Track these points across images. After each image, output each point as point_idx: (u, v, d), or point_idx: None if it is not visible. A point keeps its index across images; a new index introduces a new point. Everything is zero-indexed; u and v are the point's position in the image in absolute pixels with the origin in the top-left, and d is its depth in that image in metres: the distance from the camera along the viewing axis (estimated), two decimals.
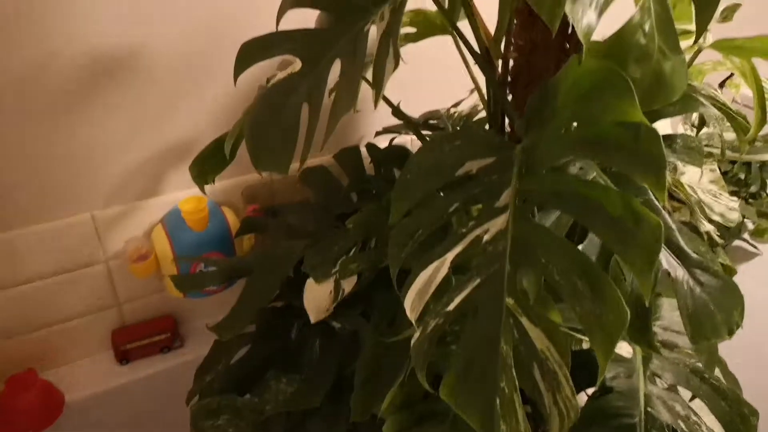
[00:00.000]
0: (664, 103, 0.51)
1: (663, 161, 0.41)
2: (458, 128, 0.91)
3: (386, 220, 0.59)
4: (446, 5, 0.81)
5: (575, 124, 0.47)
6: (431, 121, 1.04)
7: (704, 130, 0.96)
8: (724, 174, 1.27)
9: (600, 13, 0.49)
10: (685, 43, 0.75)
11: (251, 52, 0.64)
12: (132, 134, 0.93)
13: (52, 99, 0.86)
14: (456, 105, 1.07)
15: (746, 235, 1.33)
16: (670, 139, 0.64)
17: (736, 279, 0.67)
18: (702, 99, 0.66)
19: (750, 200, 1.34)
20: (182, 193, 1.01)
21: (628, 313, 0.39)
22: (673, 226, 0.54)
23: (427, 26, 0.80)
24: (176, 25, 0.89)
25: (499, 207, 0.52)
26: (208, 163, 0.78)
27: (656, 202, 0.54)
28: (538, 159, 0.52)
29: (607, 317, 0.40)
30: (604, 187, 0.45)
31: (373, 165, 0.94)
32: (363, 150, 1.00)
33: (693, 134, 0.90)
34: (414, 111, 1.08)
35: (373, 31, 0.58)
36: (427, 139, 0.86)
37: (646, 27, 0.50)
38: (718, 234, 0.90)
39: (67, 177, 0.92)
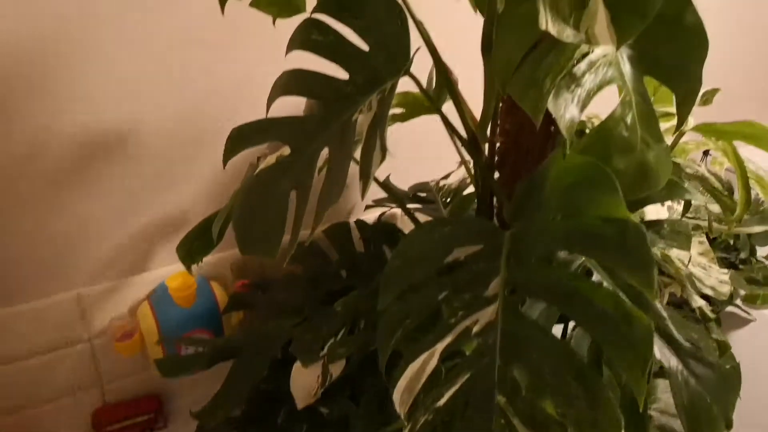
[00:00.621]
0: (649, 192, 0.52)
1: (650, 260, 0.40)
2: (447, 216, 0.91)
3: (375, 302, 0.58)
4: (432, 90, 0.83)
5: (561, 216, 0.47)
6: (420, 194, 1.05)
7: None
8: (712, 240, 1.27)
9: (582, 108, 0.50)
10: (667, 125, 0.77)
11: (241, 138, 0.64)
12: (122, 210, 0.93)
13: (41, 177, 0.85)
14: (445, 177, 1.08)
15: (738, 301, 1.33)
16: (657, 224, 0.64)
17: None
18: (687, 179, 0.67)
19: (740, 266, 1.34)
20: (170, 269, 0.99)
21: (622, 419, 0.38)
22: (665, 314, 0.54)
23: (415, 107, 0.82)
24: (168, 105, 0.90)
25: (488, 297, 0.52)
26: (195, 245, 0.77)
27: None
28: (526, 249, 0.51)
29: (602, 423, 0.39)
30: (594, 284, 0.44)
31: (362, 241, 0.94)
32: (352, 222, 1.00)
33: (680, 208, 0.91)
34: (403, 181, 1.09)
35: (362, 119, 0.59)
36: (415, 215, 0.86)
37: (628, 119, 0.51)
38: (711, 307, 0.89)
39: (55, 255, 0.90)
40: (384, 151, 0.52)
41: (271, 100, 0.67)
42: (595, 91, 0.51)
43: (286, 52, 0.66)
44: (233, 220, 0.61)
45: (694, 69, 0.54)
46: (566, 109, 0.49)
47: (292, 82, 0.65)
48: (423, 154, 1.16)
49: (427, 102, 0.81)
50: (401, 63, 0.59)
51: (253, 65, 0.93)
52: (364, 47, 0.62)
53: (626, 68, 0.54)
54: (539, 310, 0.56)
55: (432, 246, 0.57)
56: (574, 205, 0.47)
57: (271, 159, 0.66)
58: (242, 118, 0.64)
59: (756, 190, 0.77)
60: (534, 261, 0.51)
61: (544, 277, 0.49)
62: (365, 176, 0.51)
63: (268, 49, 0.92)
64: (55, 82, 0.81)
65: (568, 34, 0.47)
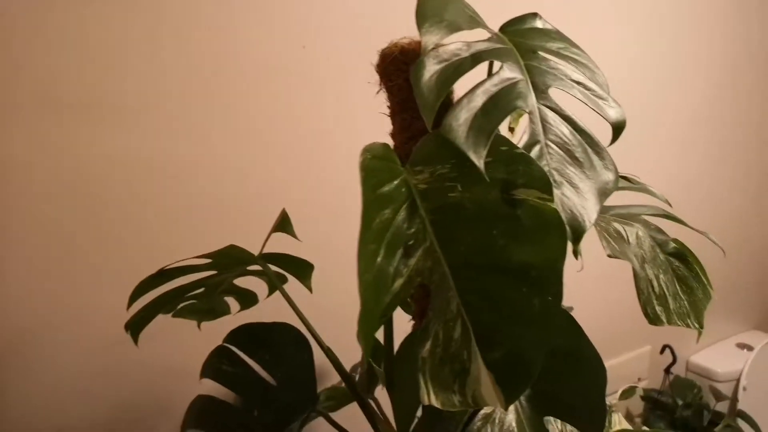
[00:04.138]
0: None
1: None
2: None
3: None
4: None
5: None
6: None
7: None
8: None
9: None
10: None
11: None
12: None
13: None
14: None
15: None
16: None
17: None
18: None
19: None
20: None
21: None
22: None
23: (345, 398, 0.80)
24: (104, 399, 0.87)
25: None
26: None
27: None
28: None
29: None
30: None
31: None
32: None
33: None
34: None
35: None
36: None
37: None
38: None
39: None
40: None
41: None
42: None
43: (200, 378, 0.66)
44: None
45: (596, 402, 0.54)
46: None
47: (203, 414, 0.64)
48: None
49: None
50: (308, 401, 0.59)
51: (187, 353, 0.93)
52: (273, 381, 0.62)
53: (525, 413, 0.53)
54: None
55: None
56: None
57: None
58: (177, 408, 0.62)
59: None
60: None
61: None
62: None
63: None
64: None
65: (453, 403, 0.47)
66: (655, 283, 0.52)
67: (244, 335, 0.63)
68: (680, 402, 1.48)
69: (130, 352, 0.89)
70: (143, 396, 0.90)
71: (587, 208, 0.49)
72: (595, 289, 1.35)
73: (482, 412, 0.52)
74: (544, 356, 0.47)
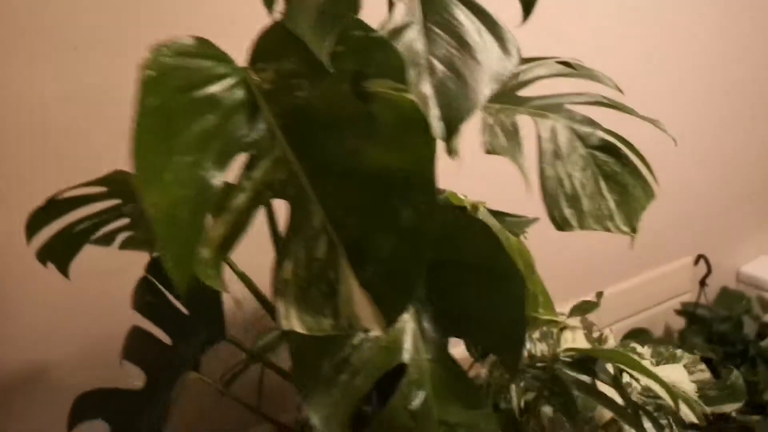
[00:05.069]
0: None
1: None
2: None
3: None
4: None
5: None
6: None
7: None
8: None
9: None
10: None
11: (82, 409, 0.62)
12: None
13: None
14: None
15: None
16: None
17: None
18: None
19: None
20: None
21: None
22: None
23: None
24: (80, 337, 0.89)
25: None
26: None
27: None
28: None
29: None
30: None
31: None
32: None
33: None
34: None
35: None
36: None
37: (416, 402, 0.45)
38: None
39: None
40: None
41: (121, 361, 0.65)
42: (375, 375, 0.45)
43: (132, 308, 0.65)
44: None
45: (513, 320, 0.48)
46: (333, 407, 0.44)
47: (132, 345, 0.63)
48: None
49: None
50: (216, 330, 0.57)
51: None
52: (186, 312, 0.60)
53: (427, 335, 0.48)
54: None
55: None
56: None
57: None
58: None
59: None
60: None
61: None
62: None
63: None
64: None
65: (323, 327, 0.43)
66: (567, 183, 0.44)
67: (158, 264, 0.61)
68: (722, 314, 1.37)
69: (102, 288, 0.90)
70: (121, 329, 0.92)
71: (469, 98, 0.42)
72: None
73: (371, 335, 0.47)
74: (425, 269, 0.42)
